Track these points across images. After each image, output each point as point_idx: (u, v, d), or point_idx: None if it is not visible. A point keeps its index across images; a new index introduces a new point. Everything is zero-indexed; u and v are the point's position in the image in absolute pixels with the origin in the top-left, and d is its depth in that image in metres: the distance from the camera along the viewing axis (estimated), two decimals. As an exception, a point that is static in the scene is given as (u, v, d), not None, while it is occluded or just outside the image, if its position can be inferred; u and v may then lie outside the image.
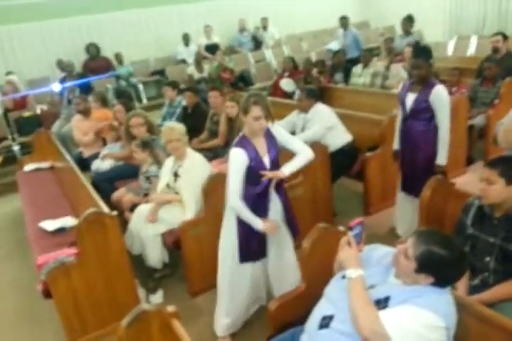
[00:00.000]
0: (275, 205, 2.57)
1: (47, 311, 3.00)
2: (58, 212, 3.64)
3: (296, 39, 10.39)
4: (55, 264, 2.56)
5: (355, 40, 7.89)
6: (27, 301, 3.32)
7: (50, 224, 3.32)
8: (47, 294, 2.61)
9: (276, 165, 2.53)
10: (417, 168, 3.16)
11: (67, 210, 3.75)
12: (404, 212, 3.43)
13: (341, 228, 2.18)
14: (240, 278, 2.57)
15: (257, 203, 2.47)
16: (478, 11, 10.06)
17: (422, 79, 3.02)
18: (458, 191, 2.55)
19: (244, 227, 2.46)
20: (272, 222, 2.48)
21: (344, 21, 7.90)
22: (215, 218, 3.04)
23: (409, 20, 6.66)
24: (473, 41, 8.54)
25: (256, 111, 2.37)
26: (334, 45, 8.28)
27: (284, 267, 2.67)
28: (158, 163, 3.60)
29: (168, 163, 3.34)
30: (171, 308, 1.75)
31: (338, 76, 6.49)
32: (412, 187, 3.22)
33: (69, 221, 3.39)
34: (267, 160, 2.49)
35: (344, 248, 1.67)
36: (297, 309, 2.05)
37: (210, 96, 4.66)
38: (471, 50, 8.37)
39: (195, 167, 3.16)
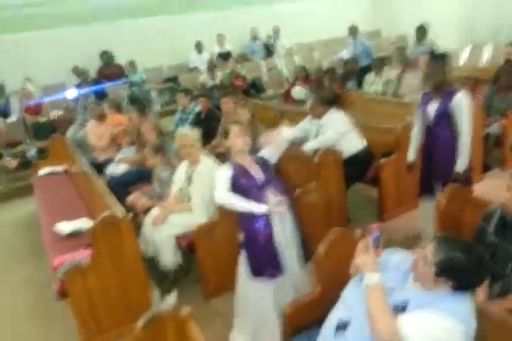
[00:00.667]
0: (285, 225, 2.55)
1: (60, 311, 3.02)
2: (73, 215, 3.67)
3: (307, 48, 10.44)
4: (70, 265, 2.59)
5: (364, 48, 7.93)
6: (41, 302, 3.34)
7: (65, 227, 3.36)
8: (62, 294, 2.63)
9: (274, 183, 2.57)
10: (443, 175, 3.12)
11: (82, 213, 3.78)
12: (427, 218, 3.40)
13: (358, 231, 2.18)
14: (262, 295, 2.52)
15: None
16: (492, 18, 10.02)
17: (437, 87, 3.02)
18: (476, 199, 2.54)
19: (249, 238, 2.47)
20: (274, 197, 2.46)
21: (353, 30, 7.95)
22: (228, 222, 3.07)
23: (422, 29, 6.68)
24: (488, 49, 8.50)
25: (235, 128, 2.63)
26: (345, 54, 8.33)
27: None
28: (171, 168, 3.64)
29: (182, 168, 3.37)
30: (185, 311, 1.76)
31: (351, 84, 6.51)
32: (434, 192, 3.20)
33: (84, 223, 3.43)
34: (259, 176, 2.55)
35: (362, 253, 1.66)
36: (312, 313, 2.04)
37: (222, 103, 4.71)
38: (485, 59, 8.32)
39: (208, 171, 3.18)
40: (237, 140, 2.62)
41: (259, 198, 2.47)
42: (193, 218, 3.12)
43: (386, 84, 5.91)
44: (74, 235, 3.29)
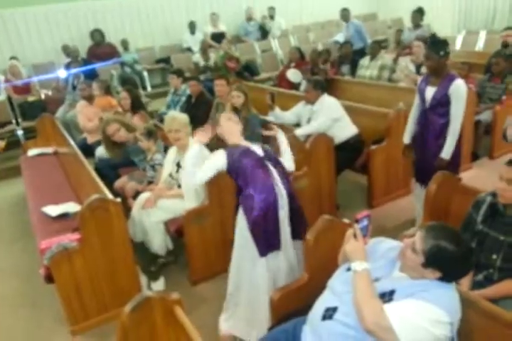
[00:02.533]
0: (283, 201, 2.49)
1: (48, 296, 3.02)
2: (61, 198, 3.64)
3: (303, 30, 10.29)
4: (57, 249, 2.57)
5: (357, 31, 7.81)
6: (29, 285, 3.33)
7: (53, 210, 3.32)
8: (49, 279, 2.62)
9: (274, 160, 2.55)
10: (433, 162, 3.10)
11: (70, 196, 3.75)
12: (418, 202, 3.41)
13: (346, 220, 2.17)
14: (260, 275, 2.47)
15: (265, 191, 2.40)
16: (487, 5, 9.94)
17: (434, 71, 2.98)
18: (464, 187, 2.54)
19: (252, 216, 2.40)
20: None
21: (345, 13, 7.77)
22: (218, 207, 3.06)
23: (419, 13, 6.57)
24: (482, 36, 8.46)
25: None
26: (340, 37, 8.21)
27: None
28: (163, 151, 3.60)
29: (171, 153, 3.33)
30: (174, 295, 1.75)
31: (345, 68, 6.44)
32: (427, 179, 3.19)
33: (72, 206, 3.40)
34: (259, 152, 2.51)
35: (350, 240, 1.66)
36: (299, 300, 2.05)
37: (216, 85, 4.63)
38: (480, 45, 8.28)
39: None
40: (229, 122, 2.63)
41: (265, 174, 2.42)
42: (183, 203, 3.10)
43: (381, 68, 5.84)
44: (61, 218, 3.26)
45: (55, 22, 8.12)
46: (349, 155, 3.80)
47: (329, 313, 1.61)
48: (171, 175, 3.29)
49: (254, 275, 2.45)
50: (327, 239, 2.10)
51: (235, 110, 4.24)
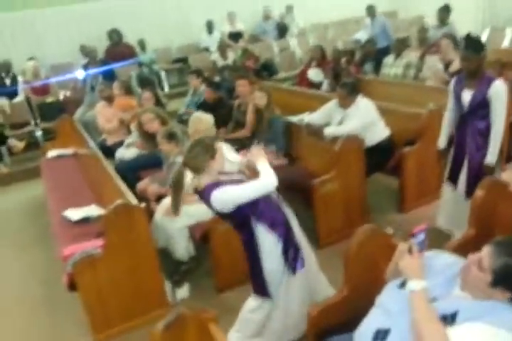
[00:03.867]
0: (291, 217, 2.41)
1: (69, 303, 2.92)
2: (82, 201, 3.56)
3: (321, 28, 10.11)
4: (81, 256, 2.46)
5: (383, 29, 7.61)
6: (49, 291, 3.24)
7: (74, 214, 3.24)
8: (72, 287, 2.52)
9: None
10: (476, 168, 2.95)
11: (91, 199, 3.67)
12: (450, 206, 3.25)
13: (390, 230, 2.02)
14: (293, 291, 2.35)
15: (275, 214, 2.28)
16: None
17: (472, 73, 2.82)
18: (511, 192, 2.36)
19: (284, 232, 2.27)
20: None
21: (371, 10, 7.62)
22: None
23: (446, 10, 6.35)
24: (508, 33, 8.19)
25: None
26: (362, 35, 8.01)
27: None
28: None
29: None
30: (209, 312, 1.62)
31: (368, 66, 6.27)
32: (468, 186, 3.03)
33: (94, 210, 3.31)
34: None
35: (405, 256, 1.51)
36: (339, 315, 1.91)
37: (238, 85, 4.51)
38: (506, 43, 8.03)
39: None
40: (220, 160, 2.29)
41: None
42: (207, 208, 2.97)
43: (407, 67, 5.65)
44: (83, 222, 3.17)
45: (73, 22, 8.09)
46: (380, 157, 3.64)
47: (381, 335, 1.47)
48: (194, 178, 3.16)
49: (290, 291, 2.32)
50: (368, 250, 1.95)
51: (258, 111, 4.12)
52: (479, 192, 2.30)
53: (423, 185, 3.81)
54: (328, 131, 3.59)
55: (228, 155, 2.73)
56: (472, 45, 2.80)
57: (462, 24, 9.35)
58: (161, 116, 3.88)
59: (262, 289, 2.30)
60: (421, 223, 3.57)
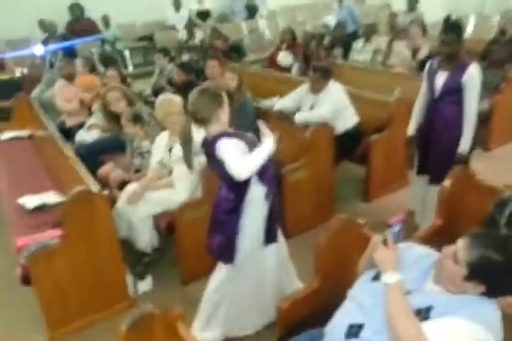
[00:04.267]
0: None
1: (26, 296, 2.75)
2: (39, 187, 3.34)
3: (290, 10, 9.95)
4: (36, 247, 2.32)
5: (350, 14, 7.58)
6: (4, 285, 3.02)
7: (30, 201, 3.04)
8: (26, 280, 2.37)
9: None
10: (442, 154, 2.94)
11: (48, 185, 3.46)
12: (418, 198, 3.27)
13: (361, 220, 1.99)
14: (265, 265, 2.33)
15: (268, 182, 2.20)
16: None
17: (451, 57, 2.79)
18: (480, 183, 2.37)
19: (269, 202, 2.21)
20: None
21: (340, -6, 7.54)
22: (212, 200, 2.83)
23: (415, -4, 6.35)
24: (472, 21, 8.31)
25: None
26: (330, 19, 7.93)
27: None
28: (150, 138, 3.34)
29: (162, 139, 3.07)
30: (176, 310, 1.54)
31: (337, 51, 6.21)
32: (433, 172, 3.03)
33: (51, 197, 3.13)
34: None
35: (380, 247, 1.47)
36: (310, 309, 1.88)
37: (207, 66, 4.35)
38: (470, 30, 8.13)
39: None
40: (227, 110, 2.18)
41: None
42: (173, 194, 2.86)
43: (375, 52, 5.64)
44: (39, 210, 2.99)
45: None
46: (348, 145, 3.61)
47: (354, 330, 1.43)
48: (161, 163, 3.04)
49: (260, 267, 2.28)
50: (340, 242, 1.91)
51: (228, 93, 3.98)
52: (448, 182, 2.30)
53: (389, 173, 3.82)
54: (299, 117, 3.52)
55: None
56: (453, 29, 2.77)
57: (427, 11, 9.45)
58: (127, 95, 3.70)
59: (227, 254, 2.21)
60: (390, 213, 3.60)
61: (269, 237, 2.26)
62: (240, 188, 2.15)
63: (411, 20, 5.99)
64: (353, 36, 6.88)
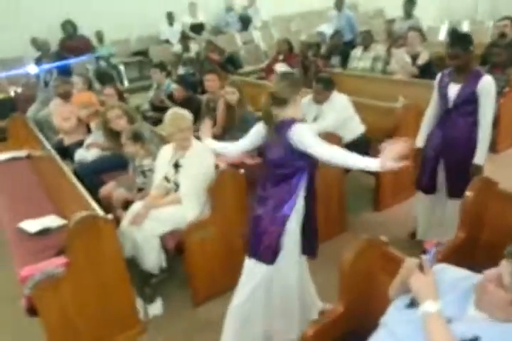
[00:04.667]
0: None
1: (33, 327, 2.60)
2: (39, 210, 3.24)
3: (284, 20, 9.95)
4: (41, 277, 2.19)
5: (349, 22, 7.55)
6: (9, 315, 2.85)
7: (31, 225, 2.93)
8: (32, 311, 2.24)
9: None
10: (458, 166, 2.85)
11: (49, 207, 3.35)
12: (425, 212, 3.16)
13: (384, 238, 1.88)
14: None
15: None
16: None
17: (462, 68, 2.71)
18: (502, 192, 2.27)
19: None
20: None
21: (339, 2, 7.51)
22: (223, 219, 2.74)
23: (411, 3, 6.33)
24: (465, 26, 8.34)
25: None
26: (326, 28, 7.89)
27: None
28: (152, 155, 3.24)
29: (166, 153, 2.96)
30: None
31: (335, 60, 6.16)
32: (451, 186, 2.93)
33: (53, 220, 3.02)
34: None
35: (417, 274, 1.36)
36: (336, 334, 1.76)
37: (206, 80, 4.27)
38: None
39: (199, 156, 2.80)
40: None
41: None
42: (181, 211, 2.75)
43: (374, 60, 5.59)
44: (42, 234, 2.87)
45: (23, 13, 7.53)
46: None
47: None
48: (166, 178, 2.93)
49: (289, 278, 2.24)
50: (364, 262, 1.80)
51: (229, 108, 3.91)
52: (470, 194, 2.20)
53: (398, 182, 3.73)
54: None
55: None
56: (459, 41, 2.69)
57: (421, 17, 9.47)
58: (129, 113, 3.61)
59: (271, 253, 2.16)
60: (398, 220, 3.48)
61: (304, 248, 2.24)
62: (292, 177, 2.12)
63: (408, 27, 5.98)
64: (350, 44, 6.84)
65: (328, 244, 3.27)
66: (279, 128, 2.10)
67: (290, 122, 2.08)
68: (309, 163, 2.13)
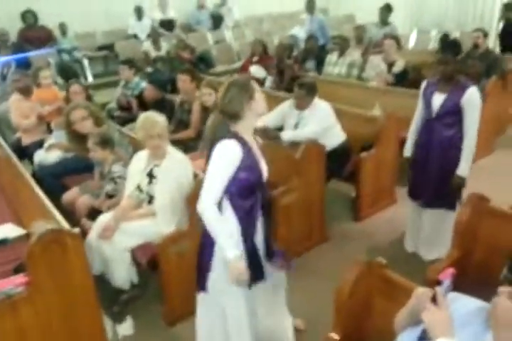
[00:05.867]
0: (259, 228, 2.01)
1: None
2: (-6, 217, 2.93)
3: (256, 21, 9.80)
4: (-2, 298, 1.93)
5: (321, 26, 7.49)
6: None
7: (-15, 236, 2.63)
8: (-15, 337, 1.97)
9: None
10: (438, 176, 2.82)
11: (4, 213, 3.06)
12: (411, 223, 3.11)
13: (382, 260, 1.75)
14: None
15: (246, 219, 1.93)
16: (439, 5, 9.99)
17: (447, 77, 2.66)
18: (494, 209, 2.21)
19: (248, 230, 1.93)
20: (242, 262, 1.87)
21: (310, 5, 7.41)
22: (198, 230, 2.53)
23: (387, 10, 6.33)
24: (434, 35, 8.47)
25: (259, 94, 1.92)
26: (298, 31, 7.81)
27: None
28: (122, 160, 3.00)
29: (140, 161, 2.74)
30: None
31: (310, 64, 6.06)
32: (427, 195, 2.89)
33: (11, 230, 2.73)
34: (264, 169, 2.00)
35: (430, 308, 1.23)
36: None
37: (179, 80, 4.04)
38: (434, 44, 8.28)
39: (176, 167, 2.59)
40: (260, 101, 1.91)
41: (254, 215, 1.94)
42: (155, 225, 2.54)
43: (350, 66, 5.51)
44: (-2, 245, 2.58)
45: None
46: (337, 163, 3.40)
47: None
48: (139, 188, 2.70)
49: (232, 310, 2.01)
50: (363, 287, 1.67)
51: (205, 110, 3.71)
52: (465, 211, 2.13)
53: (378, 190, 3.66)
54: (287, 136, 3.29)
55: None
56: (449, 47, 2.64)
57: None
58: (95, 114, 3.32)
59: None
60: (380, 230, 3.41)
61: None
62: None
63: (384, 34, 5.97)
64: (323, 49, 6.78)
65: (308, 255, 3.19)
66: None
67: (228, 136, 1.86)
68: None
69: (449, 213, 2.87)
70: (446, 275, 1.26)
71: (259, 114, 1.95)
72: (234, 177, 1.84)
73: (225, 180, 1.82)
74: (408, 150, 2.99)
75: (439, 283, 1.27)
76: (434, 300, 1.26)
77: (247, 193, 1.90)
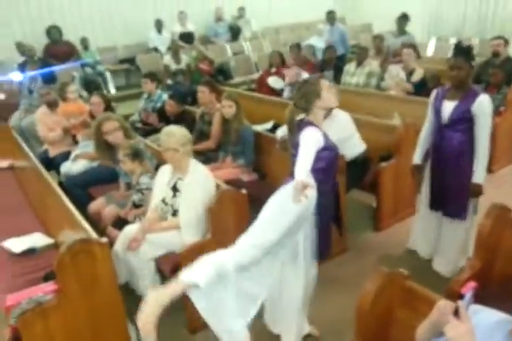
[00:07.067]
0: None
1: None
2: (23, 226, 3.04)
3: (272, 32, 9.92)
4: (28, 306, 2.01)
5: (341, 36, 7.53)
6: None
7: (16, 244, 2.73)
8: (16, 342, 2.05)
9: None
10: (452, 185, 2.81)
11: (33, 223, 3.17)
12: (428, 231, 3.10)
13: (404, 271, 1.77)
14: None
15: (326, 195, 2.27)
16: (457, 12, 9.96)
17: (459, 83, 2.67)
18: (516, 219, 2.20)
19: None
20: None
21: (331, 16, 7.50)
22: (222, 241, 2.58)
23: (404, 19, 6.35)
24: (453, 42, 8.42)
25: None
26: (316, 41, 7.88)
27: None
28: (149, 172, 3.08)
29: (164, 174, 2.80)
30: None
31: (328, 74, 6.10)
32: (444, 205, 2.89)
33: (39, 239, 2.82)
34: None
35: (453, 321, 1.24)
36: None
37: (198, 92, 4.13)
38: (451, 53, 8.23)
39: (199, 182, 2.64)
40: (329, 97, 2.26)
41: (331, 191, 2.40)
42: (178, 236, 2.60)
43: (369, 75, 5.54)
44: (27, 254, 2.68)
45: (6, 18, 7.28)
46: (357, 173, 3.42)
47: None
48: (163, 201, 2.77)
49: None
50: (385, 299, 1.69)
51: (225, 121, 3.78)
52: (487, 222, 2.12)
53: (399, 200, 3.65)
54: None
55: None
56: (463, 53, 2.66)
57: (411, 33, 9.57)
58: (124, 126, 3.42)
59: None
60: (400, 241, 3.41)
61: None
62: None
63: (402, 43, 5.98)
64: (342, 59, 6.82)
65: (328, 265, 3.18)
66: (299, 129, 2.22)
67: (306, 124, 2.21)
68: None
69: (461, 223, 2.87)
70: (468, 289, 1.28)
71: (328, 108, 2.34)
72: (318, 157, 2.11)
73: (312, 158, 2.05)
74: (417, 158, 3.00)
75: (461, 296, 1.28)
76: (456, 313, 1.27)
77: (330, 170, 2.28)
